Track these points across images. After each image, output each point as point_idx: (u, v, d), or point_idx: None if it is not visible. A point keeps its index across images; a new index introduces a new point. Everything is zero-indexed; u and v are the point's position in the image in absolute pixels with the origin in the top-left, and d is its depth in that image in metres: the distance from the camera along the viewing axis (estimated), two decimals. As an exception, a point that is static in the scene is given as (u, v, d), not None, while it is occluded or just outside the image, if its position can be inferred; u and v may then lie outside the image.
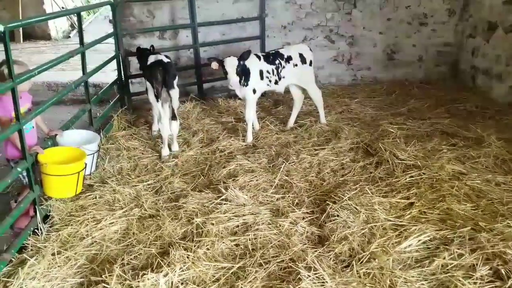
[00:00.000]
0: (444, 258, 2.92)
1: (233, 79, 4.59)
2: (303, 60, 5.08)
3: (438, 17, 7.07)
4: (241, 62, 4.61)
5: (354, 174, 4.23)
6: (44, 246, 3.17)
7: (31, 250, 3.16)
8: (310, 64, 5.17)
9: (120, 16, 5.88)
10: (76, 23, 11.58)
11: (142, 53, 5.07)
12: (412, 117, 5.60)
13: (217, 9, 6.44)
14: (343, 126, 5.22)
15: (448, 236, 3.19)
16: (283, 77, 5.00)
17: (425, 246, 3.12)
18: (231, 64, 4.57)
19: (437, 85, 7.07)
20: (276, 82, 4.99)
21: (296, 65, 5.04)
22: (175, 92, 4.46)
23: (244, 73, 4.71)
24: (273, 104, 6.29)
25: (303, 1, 6.70)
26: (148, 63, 4.63)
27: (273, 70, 4.91)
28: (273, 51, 5.07)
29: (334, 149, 4.70)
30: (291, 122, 5.39)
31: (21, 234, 3.22)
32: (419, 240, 3.14)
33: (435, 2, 6.98)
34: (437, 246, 3.11)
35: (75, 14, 5.00)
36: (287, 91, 5.33)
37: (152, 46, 5.13)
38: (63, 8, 11.69)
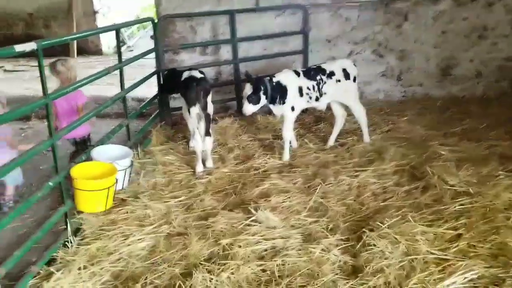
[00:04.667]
0: (494, 301, 2.58)
1: (244, 106, 4.54)
2: (346, 75, 4.85)
3: (499, 29, 6.52)
4: (258, 93, 4.48)
5: (397, 199, 3.91)
6: (73, 260, 3.18)
7: (60, 263, 3.18)
8: (354, 80, 4.93)
9: (163, 32, 6.00)
10: (126, 39, 12.22)
11: (172, 74, 5.14)
12: (467, 138, 5.12)
13: (259, 24, 6.38)
14: (389, 146, 4.88)
15: (499, 275, 2.82)
16: (325, 94, 4.80)
17: (472, 284, 2.78)
18: (244, 90, 4.52)
19: (497, 102, 6.48)
20: (317, 99, 4.79)
21: (339, 80, 4.82)
22: (207, 109, 4.40)
23: (279, 92, 4.58)
24: (314, 121, 6.07)
25: (350, 14, 6.46)
26: (182, 78, 4.63)
27: (313, 86, 4.72)
28: (314, 66, 4.90)
29: (376, 171, 4.40)
30: (331, 140, 5.15)
31: (51, 246, 3.26)
32: (465, 278, 2.79)
33: (497, 13, 6.44)
34: (486, 286, 2.76)
35: (120, 31, 5.14)
36: (329, 107, 5.12)
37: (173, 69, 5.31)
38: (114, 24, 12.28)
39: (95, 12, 11.40)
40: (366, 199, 3.95)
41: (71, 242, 3.38)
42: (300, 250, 3.21)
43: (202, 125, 4.39)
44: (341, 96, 4.90)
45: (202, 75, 4.62)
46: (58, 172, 3.32)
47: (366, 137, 5.11)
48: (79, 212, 3.69)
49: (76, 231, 3.55)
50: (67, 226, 3.48)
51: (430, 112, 6.21)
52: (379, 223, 3.41)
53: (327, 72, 4.79)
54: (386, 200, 3.90)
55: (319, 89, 4.75)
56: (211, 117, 4.58)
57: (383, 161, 4.57)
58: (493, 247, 3.12)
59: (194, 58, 6.45)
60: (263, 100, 4.56)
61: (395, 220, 3.44)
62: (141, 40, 12.89)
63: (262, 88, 4.49)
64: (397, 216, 3.52)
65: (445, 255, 3.06)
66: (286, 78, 4.63)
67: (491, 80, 6.76)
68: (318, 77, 4.73)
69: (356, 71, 4.97)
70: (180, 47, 6.32)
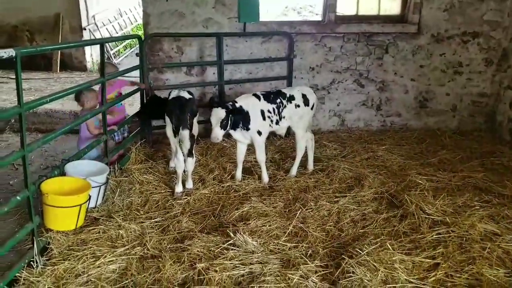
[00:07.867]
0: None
1: (215, 132, 4.25)
2: (306, 102, 4.84)
3: (474, 66, 6.79)
4: (230, 115, 4.28)
5: (375, 226, 3.91)
6: (37, 281, 3.01)
7: (23, 284, 3.00)
8: (312, 107, 4.94)
9: (148, 50, 5.97)
10: (112, 57, 12.12)
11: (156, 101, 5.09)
12: (443, 168, 5.23)
13: (245, 48, 6.47)
14: (368, 174, 4.92)
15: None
16: (284, 117, 4.76)
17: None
18: (216, 115, 4.25)
19: (471, 136, 6.66)
20: (277, 122, 4.73)
21: (298, 106, 4.80)
22: (187, 131, 4.20)
23: (242, 117, 4.45)
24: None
25: (333, 44, 6.62)
26: (170, 97, 4.58)
27: (274, 109, 4.67)
28: (275, 90, 4.91)
29: (356, 197, 4.41)
30: (310, 165, 5.15)
31: (15, 266, 3.07)
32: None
33: (472, 51, 6.73)
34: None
35: (105, 46, 5.06)
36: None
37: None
38: (102, 42, 12.16)
39: (82, 29, 11.24)
40: (345, 225, 3.93)
41: (36, 262, 3.21)
42: (278, 276, 3.14)
43: (186, 145, 4.25)
44: (294, 121, 4.84)
45: (190, 96, 4.53)
46: (28, 186, 3.15)
47: (294, 170, 5.01)
48: (48, 230, 3.52)
49: (43, 250, 3.38)
50: (33, 244, 3.28)
51: (408, 143, 6.34)
52: (358, 250, 3.39)
53: (287, 96, 4.77)
54: (365, 227, 3.90)
55: (279, 113, 4.71)
56: (195, 138, 4.49)
57: (362, 187, 4.60)
58: (470, 278, 3.13)
59: (180, 77, 6.43)
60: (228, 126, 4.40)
61: (373, 248, 3.43)
62: (126, 58, 12.82)
63: (231, 116, 4.33)
64: (375, 244, 3.51)
65: (424, 284, 3.05)
66: (248, 103, 4.53)
67: (465, 114, 6.98)
68: (278, 100, 4.70)
69: (315, 99, 5.00)
70: (166, 66, 6.29)
